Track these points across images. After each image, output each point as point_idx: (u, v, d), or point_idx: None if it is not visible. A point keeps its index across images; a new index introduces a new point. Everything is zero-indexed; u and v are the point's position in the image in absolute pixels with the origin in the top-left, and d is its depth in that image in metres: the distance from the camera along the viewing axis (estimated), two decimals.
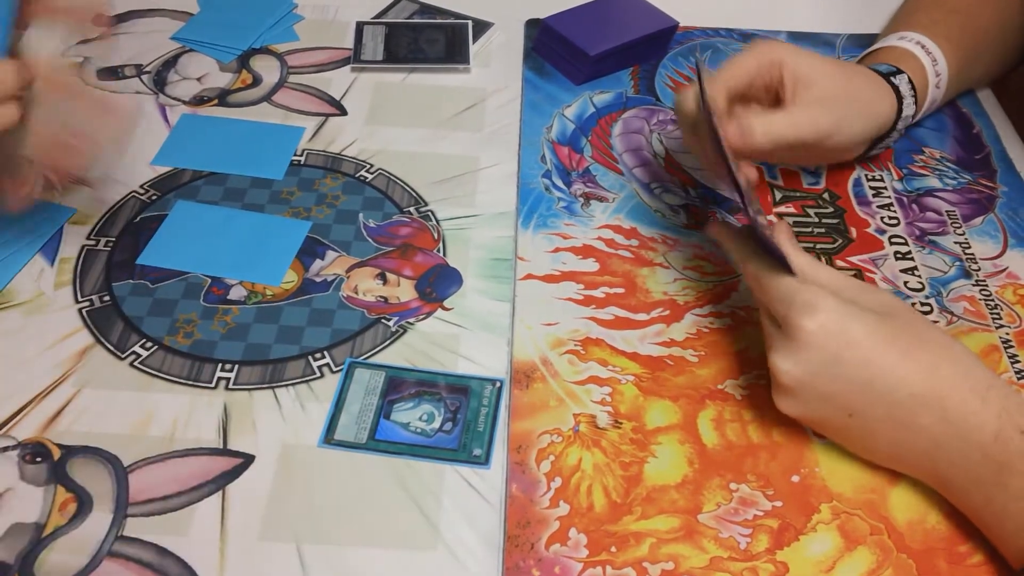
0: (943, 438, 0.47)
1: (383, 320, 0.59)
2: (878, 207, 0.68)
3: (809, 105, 0.60)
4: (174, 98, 0.75)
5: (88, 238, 0.64)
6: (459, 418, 0.54)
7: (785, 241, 0.51)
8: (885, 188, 0.69)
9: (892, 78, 0.65)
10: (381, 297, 0.61)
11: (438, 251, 0.64)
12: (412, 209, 0.67)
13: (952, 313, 0.61)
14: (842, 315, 0.47)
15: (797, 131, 0.59)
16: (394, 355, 0.57)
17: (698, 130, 0.59)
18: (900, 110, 0.65)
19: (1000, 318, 0.60)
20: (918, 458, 0.49)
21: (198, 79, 0.77)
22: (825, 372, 0.47)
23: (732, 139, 0.56)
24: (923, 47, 0.67)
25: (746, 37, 0.84)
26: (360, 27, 0.82)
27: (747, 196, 0.51)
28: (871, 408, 0.48)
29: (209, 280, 0.61)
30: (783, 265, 0.50)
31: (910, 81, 0.65)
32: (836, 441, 0.52)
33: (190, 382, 0.55)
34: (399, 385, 0.56)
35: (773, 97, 0.62)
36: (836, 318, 0.47)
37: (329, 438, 0.53)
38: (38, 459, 0.51)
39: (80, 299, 0.60)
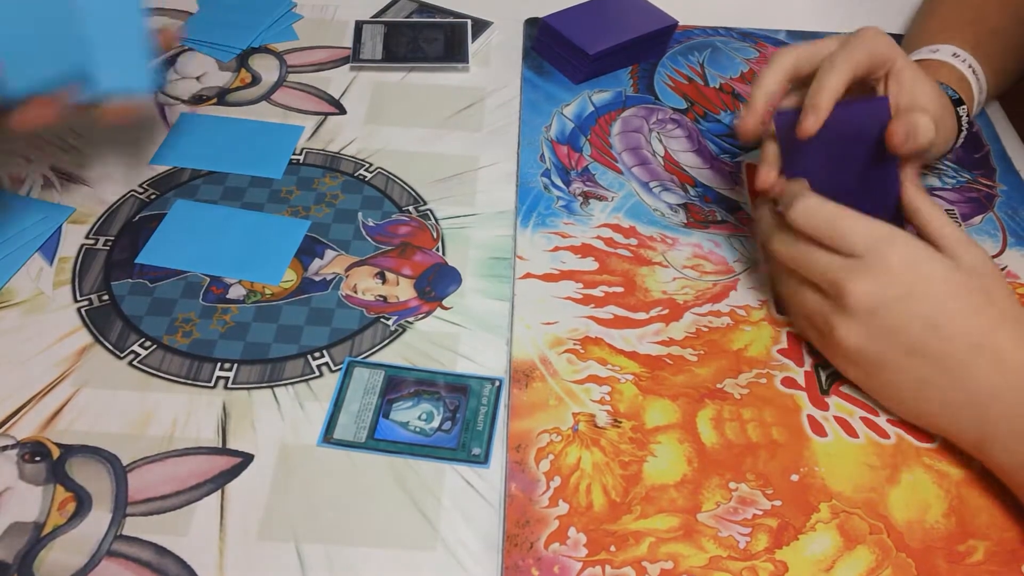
0: (998, 387, 0.48)
1: (382, 319, 0.59)
2: None
3: (924, 112, 0.57)
4: (173, 97, 0.75)
5: (87, 237, 0.64)
6: (458, 417, 0.54)
7: (909, 170, 0.54)
8: None
9: (958, 108, 0.63)
10: (380, 296, 0.61)
11: (437, 250, 0.64)
12: (411, 208, 0.67)
13: None
14: (921, 251, 0.50)
15: (929, 144, 0.56)
16: (393, 354, 0.57)
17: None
18: (956, 141, 0.64)
19: None
20: (967, 408, 0.49)
21: (197, 78, 0.77)
22: (899, 301, 0.49)
23: (898, 138, 0.53)
24: (975, 73, 0.66)
25: (745, 36, 0.84)
26: (359, 26, 0.82)
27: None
28: (932, 349, 0.49)
29: (208, 279, 0.61)
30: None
31: (967, 114, 0.64)
32: (884, 394, 0.53)
33: (189, 381, 0.55)
34: (398, 384, 0.56)
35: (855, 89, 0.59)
36: (919, 252, 0.50)
37: (328, 437, 0.53)
38: (37, 458, 0.51)
39: (79, 298, 0.60)
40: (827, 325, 0.52)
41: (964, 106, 0.64)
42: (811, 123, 0.54)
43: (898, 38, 0.81)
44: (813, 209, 0.52)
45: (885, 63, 0.58)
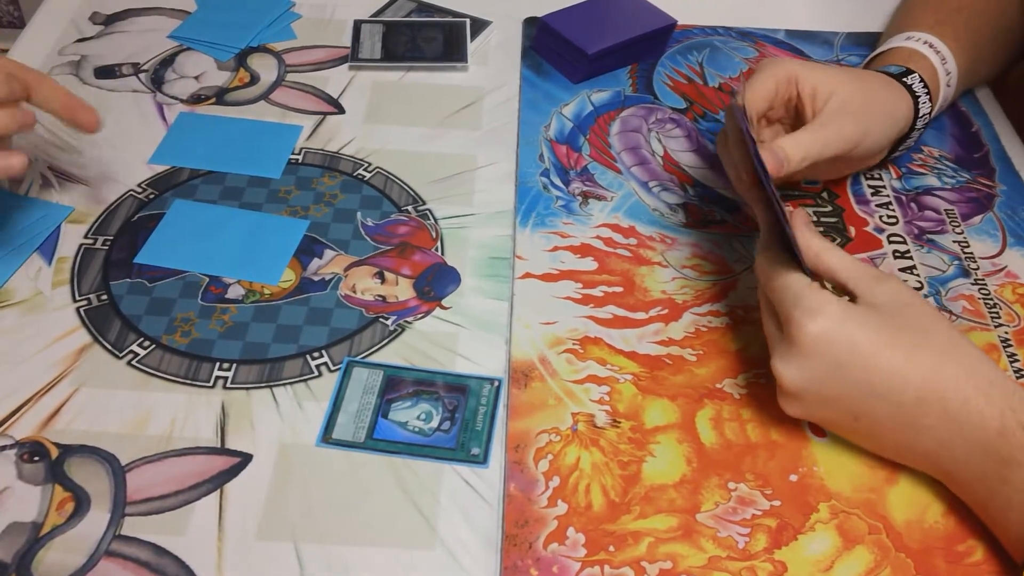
0: (947, 436, 0.47)
1: (381, 319, 0.59)
2: (877, 206, 0.68)
3: (832, 117, 0.59)
4: (171, 97, 0.75)
5: (86, 237, 0.63)
6: (457, 417, 0.54)
7: (801, 225, 0.52)
8: (884, 187, 0.69)
9: (904, 78, 0.64)
10: (379, 296, 0.61)
11: (436, 250, 0.64)
12: (410, 208, 0.67)
13: (951, 312, 0.61)
14: (844, 320, 0.47)
15: (827, 146, 0.59)
16: (392, 354, 0.57)
17: (726, 144, 0.60)
18: (917, 109, 0.65)
19: (999, 317, 0.60)
20: (924, 456, 0.49)
21: (196, 77, 0.77)
22: (828, 377, 0.48)
23: (770, 168, 0.55)
24: (931, 46, 0.67)
25: (744, 35, 0.83)
26: (358, 25, 0.82)
27: (776, 195, 0.51)
28: (875, 411, 0.48)
29: (207, 279, 0.61)
30: (797, 261, 0.50)
31: (922, 80, 0.65)
32: (842, 436, 0.52)
33: (188, 381, 0.55)
34: (397, 384, 0.56)
35: (792, 113, 0.62)
36: (838, 324, 0.47)
37: (327, 437, 0.53)
38: (36, 458, 0.51)
39: (78, 298, 0.60)
40: (777, 389, 0.51)
41: (914, 74, 0.64)
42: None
43: None
44: (760, 262, 0.52)
45: (790, 80, 0.60)
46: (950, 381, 0.47)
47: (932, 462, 0.49)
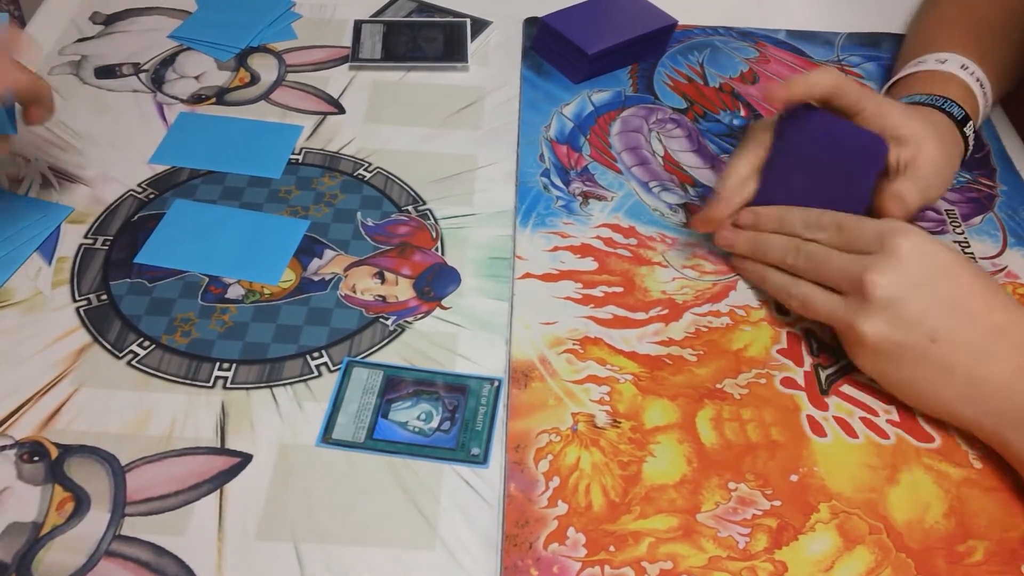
0: (1018, 372, 0.49)
1: (381, 319, 0.59)
2: None
3: (923, 176, 0.58)
4: (172, 96, 0.75)
5: (86, 237, 0.63)
6: (457, 417, 0.54)
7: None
8: None
9: (963, 127, 0.62)
10: (379, 296, 0.61)
11: (436, 250, 0.64)
12: (410, 208, 0.67)
13: None
14: (934, 241, 0.52)
15: (924, 198, 0.58)
16: (392, 354, 0.57)
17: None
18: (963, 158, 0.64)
19: None
20: (990, 394, 0.50)
21: (196, 77, 0.77)
22: (922, 288, 0.50)
23: (887, 207, 0.57)
24: (981, 86, 0.65)
25: (745, 35, 0.83)
26: (358, 25, 0.82)
27: None
28: (956, 332, 0.50)
29: (207, 279, 0.61)
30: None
31: (974, 129, 0.64)
32: (904, 384, 0.53)
33: (188, 381, 0.55)
34: (397, 384, 0.56)
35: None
36: (931, 240, 0.51)
37: (327, 437, 0.53)
38: (35, 458, 0.51)
39: (77, 298, 0.60)
40: (846, 322, 0.52)
41: (971, 122, 0.63)
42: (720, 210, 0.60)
43: (898, 38, 0.81)
44: (816, 218, 0.56)
45: (837, 93, 0.58)
46: (1020, 325, 0.50)
47: (995, 402, 0.50)
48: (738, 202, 0.60)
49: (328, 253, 0.63)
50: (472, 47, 0.80)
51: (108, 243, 0.63)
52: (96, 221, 0.65)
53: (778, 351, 0.58)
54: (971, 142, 0.64)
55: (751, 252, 0.60)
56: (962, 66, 0.66)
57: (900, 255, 0.51)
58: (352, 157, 0.70)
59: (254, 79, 0.77)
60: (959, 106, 0.63)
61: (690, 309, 0.60)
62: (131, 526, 0.48)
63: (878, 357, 0.52)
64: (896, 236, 0.51)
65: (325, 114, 0.74)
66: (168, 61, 0.78)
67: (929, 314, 0.50)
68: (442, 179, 0.69)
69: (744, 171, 0.60)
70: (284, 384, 0.56)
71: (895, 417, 0.55)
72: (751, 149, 0.60)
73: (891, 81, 0.69)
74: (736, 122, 0.74)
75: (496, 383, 0.56)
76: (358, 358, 0.57)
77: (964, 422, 0.52)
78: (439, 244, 0.64)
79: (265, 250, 0.63)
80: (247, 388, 0.55)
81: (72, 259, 0.62)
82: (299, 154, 0.70)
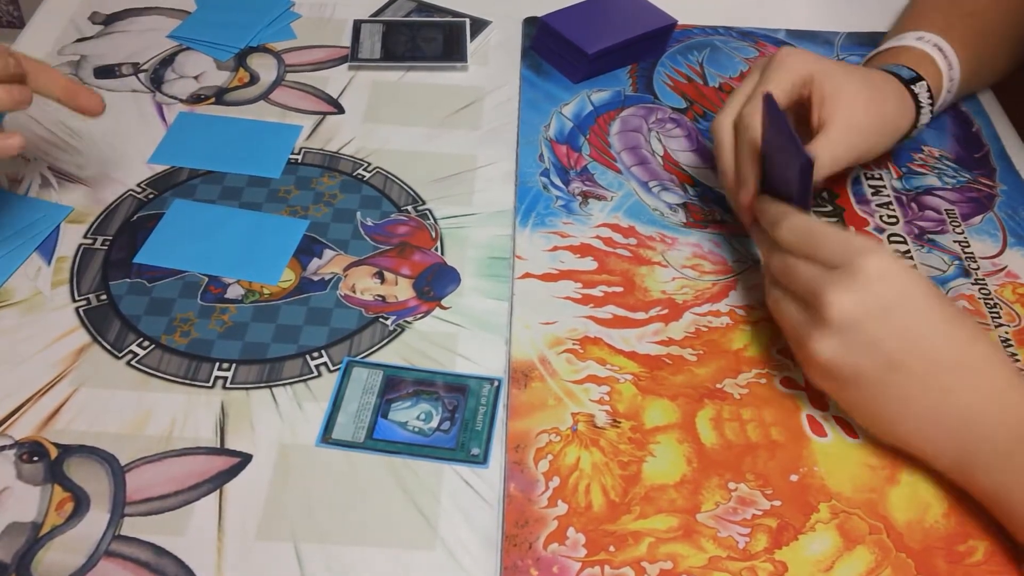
0: (980, 404, 0.47)
1: (381, 319, 0.59)
2: (877, 206, 0.68)
3: (844, 133, 0.59)
4: (171, 96, 0.75)
5: (85, 237, 0.63)
6: (457, 417, 0.54)
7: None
8: (884, 187, 0.69)
9: (913, 85, 0.64)
10: (379, 296, 0.61)
11: (436, 250, 0.64)
12: (410, 208, 0.67)
13: None
14: (901, 263, 0.49)
15: (834, 163, 0.59)
16: (392, 354, 0.57)
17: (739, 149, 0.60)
18: (917, 119, 0.65)
19: (999, 317, 0.60)
20: (946, 429, 0.48)
21: (195, 77, 0.77)
22: (880, 314, 0.47)
23: None
24: (941, 51, 0.67)
25: (745, 35, 0.83)
26: (357, 25, 0.82)
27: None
28: (914, 364, 0.47)
29: (206, 279, 0.61)
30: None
31: (928, 89, 0.65)
32: (859, 410, 0.51)
33: (187, 381, 0.55)
34: (397, 384, 0.56)
35: (796, 111, 0.62)
36: (896, 263, 0.48)
37: (327, 437, 0.53)
38: (35, 458, 0.51)
39: (77, 298, 0.59)
40: (801, 336, 0.50)
41: (923, 82, 0.64)
42: (744, 197, 0.59)
43: None
44: (794, 224, 0.53)
45: (806, 82, 0.60)
46: (989, 353, 0.48)
47: (953, 440, 0.48)
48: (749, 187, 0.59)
49: (328, 253, 0.63)
50: (471, 47, 0.80)
51: (107, 243, 0.63)
52: (95, 221, 0.65)
53: (778, 351, 0.58)
54: (923, 99, 0.64)
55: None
56: (917, 37, 0.68)
57: (864, 275, 0.48)
58: (351, 157, 0.70)
59: (253, 79, 0.77)
60: (909, 69, 0.64)
61: (690, 309, 0.60)
62: (131, 526, 0.48)
63: (831, 378, 0.50)
64: (863, 255, 0.48)
65: (324, 114, 0.74)
66: (167, 61, 0.78)
67: (888, 342, 0.47)
68: (441, 179, 0.69)
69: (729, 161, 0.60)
70: (284, 384, 0.56)
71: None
72: (725, 139, 0.61)
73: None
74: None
75: (496, 383, 0.56)
76: (358, 358, 0.57)
77: (921, 454, 0.50)
78: (439, 244, 0.64)
79: (264, 250, 0.63)
80: (247, 388, 0.55)
81: (71, 259, 0.62)
82: (298, 154, 0.70)
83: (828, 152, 0.59)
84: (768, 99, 0.53)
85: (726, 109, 0.61)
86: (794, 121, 0.62)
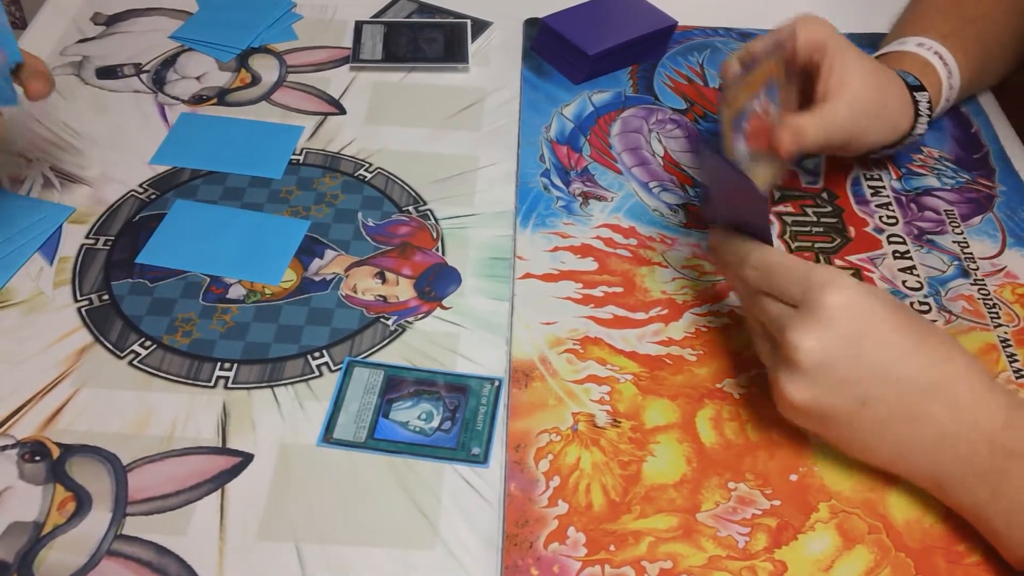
0: (952, 428, 0.46)
1: (382, 319, 0.59)
2: (876, 206, 0.68)
3: (842, 109, 0.59)
4: (173, 97, 0.75)
5: (87, 237, 0.64)
6: (458, 417, 0.54)
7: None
8: (883, 187, 0.69)
9: (916, 93, 0.64)
10: (380, 296, 0.61)
11: (437, 250, 0.64)
12: (411, 208, 0.67)
13: (950, 312, 0.61)
14: (865, 293, 0.47)
15: (828, 137, 0.59)
16: (393, 354, 0.57)
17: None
18: (913, 127, 0.65)
19: (998, 317, 0.60)
20: (922, 454, 0.48)
21: (197, 78, 0.77)
22: (847, 351, 0.46)
23: (784, 142, 0.56)
24: (941, 59, 0.67)
25: (744, 36, 0.84)
26: (359, 26, 0.82)
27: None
28: (885, 394, 0.47)
29: (208, 279, 0.61)
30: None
31: (929, 101, 0.65)
32: (835, 441, 0.50)
33: (189, 381, 0.55)
34: (398, 384, 0.56)
35: (801, 75, 0.61)
36: (860, 294, 0.47)
37: (328, 437, 0.53)
38: (37, 458, 0.51)
39: (79, 298, 0.60)
40: (775, 378, 0.49)
41: (924, 92, 0.64)
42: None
43: None
44: (755, 261, 0.51)
45: (818, 48, 0.59)
46: (961, 371, 0.47)
47: (929, 463, 0.48)
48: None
49: (329, 253, 0.63)
50: (473, 48, 0.80)
51: (109, 243, 0.63)
52: (97, 221, 0.65)
53: None
54: (923, 109, 0.64)
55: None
56: (918, 43, 0.68)
57: (825, 313, 0.46)
58: (353, 158, 0.71)
59: (255, 80, 0.77)
60: (913, 76, 0.65)
61: (690, 309, 0.60)
62: (132, 526, 0.49)
63: (804, 416, 0.49)
64: (823, 291, 0.46)
65: (326, 115, 0.74)
66: (169, 62, 0.78)
67: (857, 379, 0.46)
68: (443, 179, 0.69)
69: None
70: (285, 384, 0.56)
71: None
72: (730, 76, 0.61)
73: None
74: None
75: (496, 383, 0.56)
76: (359, 358, 0.57)
77: (900, 473, 0.50)
78: (440, 244, 0.64)
79: (266, 250, 0.63)
80: (248, 388, 0.55)
81: (73, 259, 0.62)
82: (300, 154, 0.71)
83: (821, 125, 0.58)
84: (701, 137, 0.53)
85: (735, 53, 0.61)
86: (798, 82, 0.60)
